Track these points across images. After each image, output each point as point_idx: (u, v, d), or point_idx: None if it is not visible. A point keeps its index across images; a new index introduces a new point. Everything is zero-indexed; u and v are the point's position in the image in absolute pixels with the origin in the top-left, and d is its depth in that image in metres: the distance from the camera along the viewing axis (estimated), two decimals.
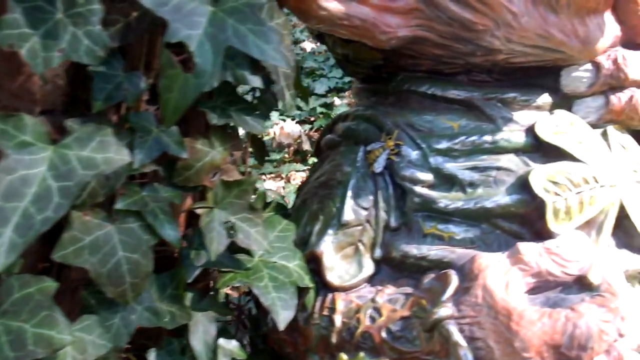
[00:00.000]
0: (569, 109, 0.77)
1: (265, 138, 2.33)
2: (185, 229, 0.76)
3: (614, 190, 0.70)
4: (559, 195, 0.68)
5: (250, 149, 0.88)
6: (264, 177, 2.15)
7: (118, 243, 0.57)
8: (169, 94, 0.50)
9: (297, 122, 2.28)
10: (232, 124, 0.69)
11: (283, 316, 0.67)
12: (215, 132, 0.64)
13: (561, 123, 0.73)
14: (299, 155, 2.21)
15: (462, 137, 0.73)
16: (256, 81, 0.60)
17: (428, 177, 0.73)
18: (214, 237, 0.63)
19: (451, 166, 0.73)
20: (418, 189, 0.73)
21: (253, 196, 0.78)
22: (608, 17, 0.74)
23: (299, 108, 2.42)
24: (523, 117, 0.75)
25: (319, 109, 2.38)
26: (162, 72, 0.49)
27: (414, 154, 0.75)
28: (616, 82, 0.75)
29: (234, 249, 0.70)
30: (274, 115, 2.37)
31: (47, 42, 0.47)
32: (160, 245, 0.61)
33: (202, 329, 0.69)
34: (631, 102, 0.75)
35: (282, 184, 2.00)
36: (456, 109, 0.77)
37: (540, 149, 0.72)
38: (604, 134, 0.75)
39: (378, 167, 0.76)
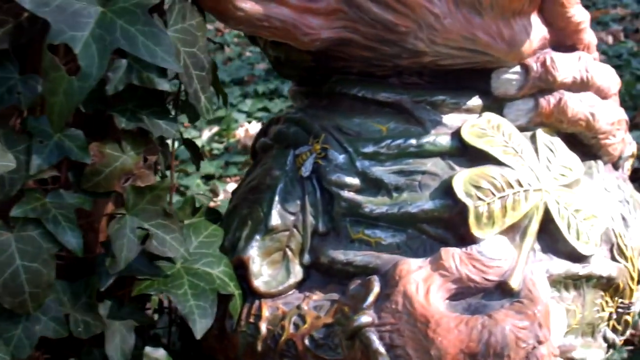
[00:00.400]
0: (501, 112, 0.76)
1: (231, 140, 2.32)
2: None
3: (538, 194, 0.69)
4: (481, 199, 0.67)
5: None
6: (228, 179, 2.13)
7: (16, 251, 0.55)
8: (54, 97, 0.48)
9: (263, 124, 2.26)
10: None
11: (200, 325, 0.66)
12: (126, 136, 0.63)
13: (488, 126, 0.72)
14: None
15: (389, 141, 0.72)
16: (164, 84, 0.59)
17: (354, 181, 0.72)
18: (123, 244, 0.61)
19: (378, 170, 0.72)
20: (345, 193, 0.72)
21: (179, 199, 0.76)
22: (535, 19, 0.73)
23: (266, 110, 2.40)
24: (452, 120, 0.74)
25: (286, 111, 2.37)
26: (46, 76, 0.48)
27: (340, 158, 0.73)
28: (545, 84, 0.74)
29: (156, 255, 0.68)
30: (241, 117, 2.35)
31: None
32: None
33: (119, 338, 0.67)
34: (560, 105, 0.74)
35: None
36: (386, 112, 0.76)
37: (466, 153, 0.71)
38: (533, 137, 0.74)
39: (305, 171, 0.75)
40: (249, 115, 2.36)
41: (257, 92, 2.54)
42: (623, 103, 2.34)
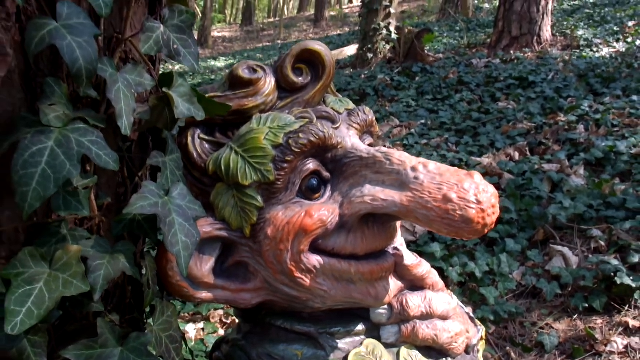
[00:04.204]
0: (378, 332, 1.19)
1: None
2: None
3: None
4: None
5: None
6: (186, 316, 2.50)
7: None
8: None
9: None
10: None
11: None
12: None
13: (366, 352, 1.15)
14: None
15: None
16: None
17: None
18: None
19: None
20: None
21: None
22: (392, 279, 1.17)
23: None
24: (345, 343, 1.17)
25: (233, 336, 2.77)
26: None
27: None
28: (403, 317, 1.18)
29: None
30: None
31: None
32: None
33: None
34: (414, 331, 1.17)
35: (202, 325, 2.36)
36: (301, 339, 1.18)
37: None
38: (398, 354, 1.17)
39: None
40: None
41: None
42: (523, 223, 2.80)
